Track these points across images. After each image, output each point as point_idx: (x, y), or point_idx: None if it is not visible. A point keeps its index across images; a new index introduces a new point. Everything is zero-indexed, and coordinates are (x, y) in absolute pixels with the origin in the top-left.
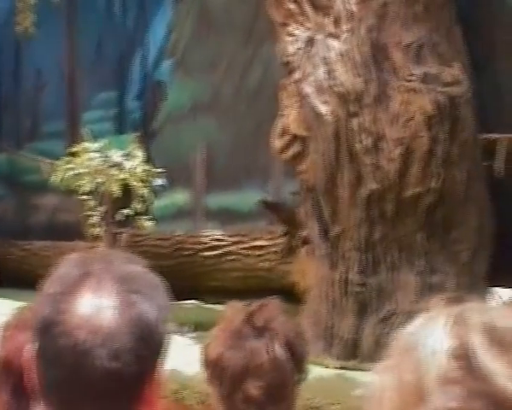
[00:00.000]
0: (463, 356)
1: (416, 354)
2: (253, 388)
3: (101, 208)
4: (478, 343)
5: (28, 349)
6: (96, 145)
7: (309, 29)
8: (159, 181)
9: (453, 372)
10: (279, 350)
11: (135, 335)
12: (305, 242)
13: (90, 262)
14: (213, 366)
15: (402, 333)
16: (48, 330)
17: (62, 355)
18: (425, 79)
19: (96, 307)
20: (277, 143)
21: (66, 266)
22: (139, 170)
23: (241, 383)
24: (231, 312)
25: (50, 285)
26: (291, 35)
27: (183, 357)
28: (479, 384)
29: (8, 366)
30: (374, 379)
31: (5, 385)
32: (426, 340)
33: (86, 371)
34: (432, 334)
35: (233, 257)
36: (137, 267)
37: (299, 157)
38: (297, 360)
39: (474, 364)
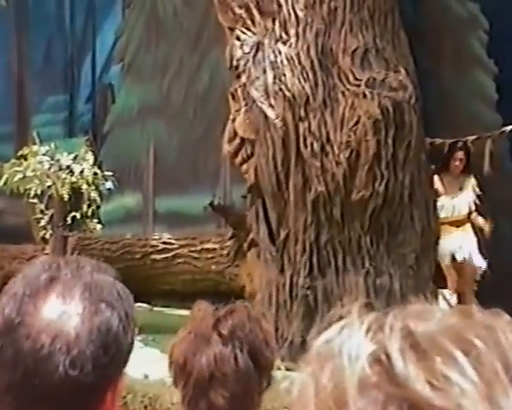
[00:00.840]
0: (381, 361)
1: (335, 360)
2: (218, 396)
3: (50, 212)
4: (395, 348)
5: None
6: (45, 148)
7: (256, 34)
8: (108, 184)
9: (371, 378)
10: (245, 360)
11: (96, 343)
12: (253, 245)
13: (59, 267)
14: (179, 369)
15: (319, 339)
16: (9, 331)
17: (21, 358)
18: (371, 83)
19: (61, 313)
20: (227, 147)
21: (34, 268)
22: (88, 173)
23: (205, 389)
24: (199, 314)
25: (15, 286)
26: (239, 39)
27: (131, 360)
28: (396, 389)
29: None
30: (294, 384)
31: None
32: (344, 346)
33: (44, 377)
34: (350, 339)
35: (182, 260)
36: (105, 276)
37: (248, 161)
38: (262, 369)
39: (392, 369)
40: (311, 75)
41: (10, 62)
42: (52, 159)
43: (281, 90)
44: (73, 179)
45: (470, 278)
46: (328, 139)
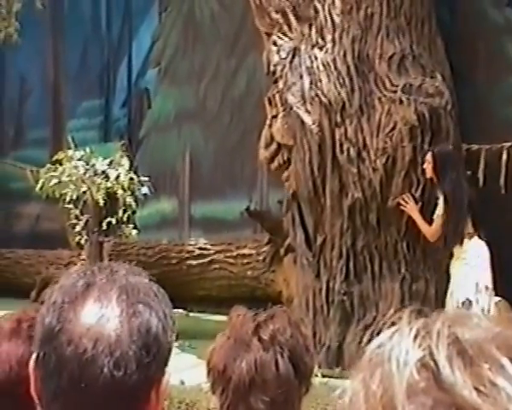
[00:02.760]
0: (429, 367)
1: (384, 365)
2: (258, 401)
3: (85, 217)
4: (443, 355)
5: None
6: (80, 153)
7: (293, 39)
8: (143, 190)
9: (419, 383)
10: (286, 365)
11: (137, 344)
12: (289, 250)
13: (94, 274)
14: (218, 375)
15: (371, 345)
16: (51, 340)
17: (65, 364)
18: (407, 89)
19: (99, 317)
20: (263, 152)
21: (70, 277)
22: (124, 178)
23: (245, 395)
24: (239, 320)
25: (53, 296)
26: (275, 45)
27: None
28: (444, 395)
29: None
30: (346, 391)
31: None
32: (393, 351)
33: (89, 380)
34: (399, 345)
35: (218, 266)
36: (141, 278)
37: (285, 166)
38: (302, 374)
39: (439, 375)
40: (347, 81)
41: (46, 67)
42: (87, 164)
43: (317, 95)
44: (109, 185)
45: None
46: (364, 145)
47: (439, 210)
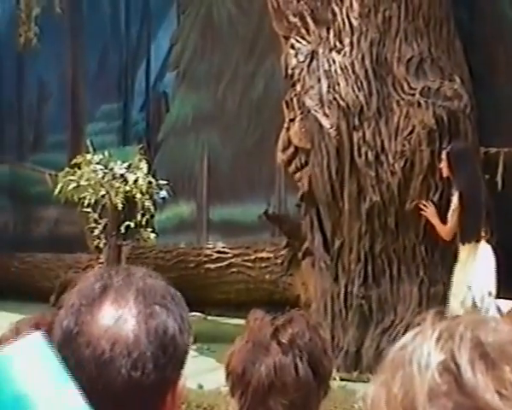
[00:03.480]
0: (451, 370)
1: (405, 368)
2: (277, 405)
3: (104, 221)
4: (465, 358)
5: None
6: (98, 157)
7: (311, 42)
8: (162, 193)
9: (441, 386)
10: (305, 368)
11: (154, 344)
12: (307, 254)
13: (111, 276)
14: (237, 378)
15: (393, 347)
16: (69, 342)
17: (84, 366)
18: (425, 93)
19: (117, 318)
20: (281, 155)
21: (87, 280)
22: (142, 182)
23: (264, 398)
24: (257, 323)
25: (71, 299)
26: (293, 48)
27: (186, 370)
28: (465, 398)
29: None
30: (368, 393)
31: None
32: (415, 354)
33: (107, 381)
34: (421, 348)
35: (236, 269)
36: (157, 281)
37: (302, 170)
38: (321, 378)
39: (461, 378)
40: (365, 84)
41: (65, 71)
42: (106, 167)
43: (335, 99)
44: (127, 188)
45: None
46: (382, 149)
47: (454, 206)
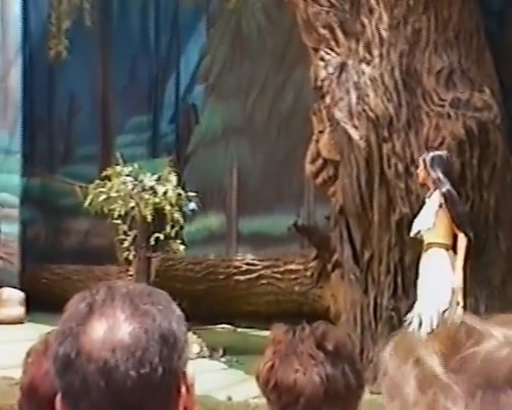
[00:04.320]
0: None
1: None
2: None
3: (133, 233)
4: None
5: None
6: (128, 169)
7: (340, 54)
8: (191, 205)
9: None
10: (352, 377)
11: (154, 338)
12: (337, 266)
13: (92, 294)
14: (286, 390)
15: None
16: (70, 366)
17: (90, 382)
18: (455, 104)
19: (109, 327)
20: (310, 167)
21: (71, 306)
22: (172, 194)
23: (319, 408)
24: (292, 336)
25: (60, 328)
26: (323, 60)
27: (215, 382)
28: None
29: (33, 392)
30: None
31: None
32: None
33: (118, 389)
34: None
35: (266, 281)
36: (140, 285)
37: (330, 181)
38: (362, 387)
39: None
40: (394, 96)
41: (95, 83)
42: (136, 179)
43: (364, 110)
44: (157, 200)
45: None
46: (412, 160)
47: (436, 209)
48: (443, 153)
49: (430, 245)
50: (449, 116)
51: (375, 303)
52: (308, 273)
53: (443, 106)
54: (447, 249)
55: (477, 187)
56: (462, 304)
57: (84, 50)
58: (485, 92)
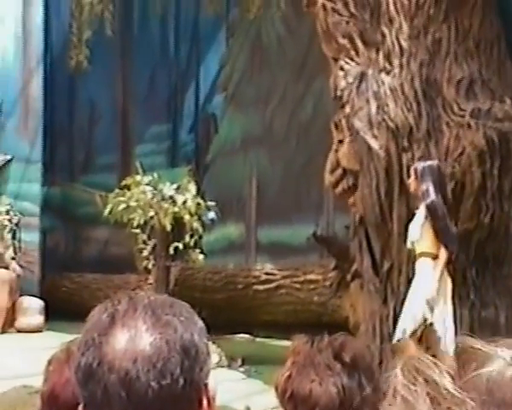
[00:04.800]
0: None
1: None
2: None
3: (152, 242)
4: None
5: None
6: (148, 178)
7: (360, 64)
8: (210, 214)
9: None
10: (369, 388)
11: (175, 349)
12: (356, 276)
13: (114, 304)
14: (302, 400)
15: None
16: (92, 376)
17: (112, 392)
18: (476, 114)
19: (131, 337)
20: (329, 177)
21: (93, 316)
22: (191, 203)
23: None
24: (310, 346)
25: (83, 337)
26: (342, 70)
27: (233, 392)
28: None
29: (54, 401)
30: None
31: None
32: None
33: (139, 398)
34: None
35: (285, 291)
36: (161, 296)
37: (350, 191)
38: (379, 398)
39: None
40: (414, 106)
41: (115, 92)
42: (155, 189)
43: (384, 120)
44: (176, 209)
45: None
46: None
47: (422, 220)
48: (434, 163)
49: (420, 255)
50: (469, 126)
51: (395, 314)
52: (327, 283)
53: (463, 116)
54: (434, 258)
55: (497, 198)
56: (430, 320)
57: (105, 60)
58: (506, 102)
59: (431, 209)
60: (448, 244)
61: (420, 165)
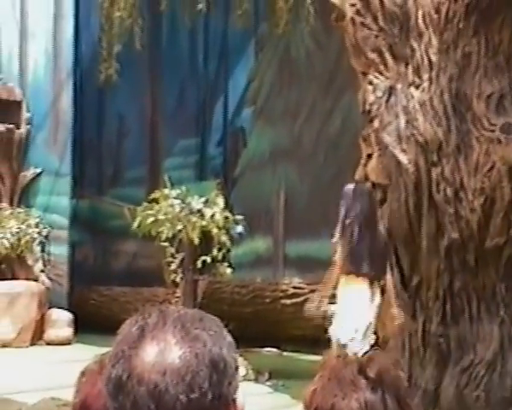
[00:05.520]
0: None
1: None
2: None
3: (180, 255)
4: None
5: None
6: (176, 192)
7: (389, 78)
8: (238, 228)
9: None
10: (393, 405)
11: (204, 363)
12: (385, 291)
13: (145, 317)
14: None
15: None
16: (122, 388)
17: (141, 405)
18: (506, 129)
19: (160, 350)
20: None
21: (124, 329)
22: (219, 217)
23: None
24: (340, 360)
25: (114, 350)
26: (371, 84)
27: (260, 406)
28: None
29: None
30: None
31: None
32: None
33: None
34: None
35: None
36: (191, 310)
37: (378, 206)
38: None
39: None
40: (444, 120)
41: (144, 106)
42: (183, 202)
43: (413, 135)
44: (204, 223)
45: None
46: (461, 185)
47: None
48: (364, 187)
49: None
50: (499, 141)
51: (424, 329)
52: None
53: (493, 131)
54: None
55: None
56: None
57: (134, 73)
58: None
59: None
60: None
61: (348, 187)
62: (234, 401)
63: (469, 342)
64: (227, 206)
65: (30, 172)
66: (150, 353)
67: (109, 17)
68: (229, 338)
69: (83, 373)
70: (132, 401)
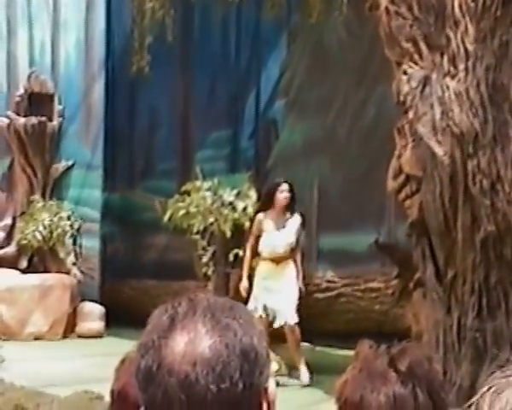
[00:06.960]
0: None
1: None
2: None
3: (212, 248)
4: None
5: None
6: (207, 184)
7: (424, 68)
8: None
9: None
10: (425, 399)
11: (235, 352)
12: (419, 284)
13: (175, 307)
14: (352, 407)
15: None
16: (152, 379)
17: (172, 395)
18: None
19: (190, 340)
20: (391, 183)
21: (153, 319)
22: (251, 210)
23: None
24: (371, 352)
25: (143, 339)
26: (406, 74)
27: (293, 401)
28: None
29: (124, 399)
30: None
31: None
32: None
33: (198, 401)
34: None
35: (345, 299)
36: (221, 298)
37: (412, 198)
38: (439, 409)
39: None
40: (480, 111)
41: (176, 98)
42: (215, 194)
43: (448, 126)
44: (236, 216)
45: (294, 343)
46: (498, 177)
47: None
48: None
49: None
50: None
51: (459, 324)
52: (389, 292)
53: None
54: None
55: None
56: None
57: (166, 66)
58: None
59: None
60: None
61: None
62: (265, 390)
63: (506, 337)
64: (259, 199)
65: (62, 165)
66: (180, 343)
67: (141, 9)
68: (259, 327)
69: (122, 361)
70: (163, 391)
